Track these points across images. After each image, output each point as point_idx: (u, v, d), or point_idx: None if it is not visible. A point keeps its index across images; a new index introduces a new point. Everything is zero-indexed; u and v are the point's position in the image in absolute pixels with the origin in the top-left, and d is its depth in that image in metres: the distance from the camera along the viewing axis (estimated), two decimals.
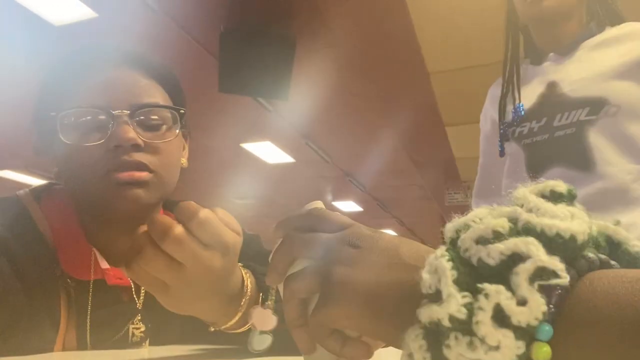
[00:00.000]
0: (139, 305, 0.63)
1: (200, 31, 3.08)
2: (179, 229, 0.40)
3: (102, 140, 0.56)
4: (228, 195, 6.85)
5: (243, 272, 0.53)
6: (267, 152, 5.27)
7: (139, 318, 0.63)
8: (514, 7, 1.19)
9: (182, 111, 0.62)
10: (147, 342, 0.64)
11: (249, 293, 0.52)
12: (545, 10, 1.08)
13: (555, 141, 1.06)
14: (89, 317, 0.59)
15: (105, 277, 0.60)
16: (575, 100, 1.04)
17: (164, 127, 0.61)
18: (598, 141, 1.01)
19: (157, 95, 0.62)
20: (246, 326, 0.53)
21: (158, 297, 0.44)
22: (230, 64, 3.00)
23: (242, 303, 0.51)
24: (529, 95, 1.14)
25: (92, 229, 0.62)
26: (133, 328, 0.63)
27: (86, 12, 2.80)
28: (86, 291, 0.59)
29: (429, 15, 2.90)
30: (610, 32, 1.10)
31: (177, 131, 0.62)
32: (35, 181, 5.55)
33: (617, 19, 1.14)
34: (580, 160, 1.03)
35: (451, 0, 2.74)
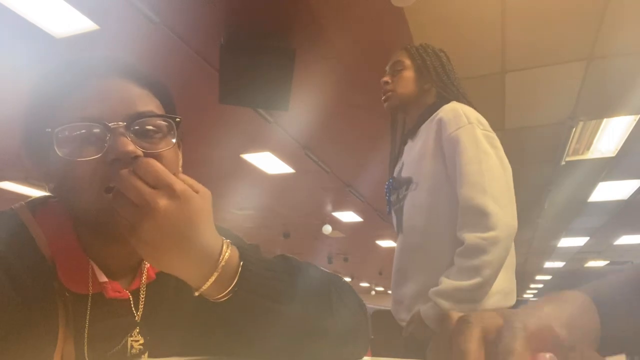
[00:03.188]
0: (138, 318, 0.63)
1: (201, 43, 3.10)
2: (125, 170, 0.49)
3: (100, 155, 0.55)
4: (228, 205, 6.84)
5: (224, 241, 0.54)
6: (267, 163, 5.27)
7: (138, 331, 0.63)
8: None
9: (177, 119, 0.61)
10: (146, 355, 0.64)
11: (226, 257, 0.53)
12: (389, 106, 1.47)
13: (397, 212, 1.41)
14: (86, 330, 0.58)
15: (103, 290, 0.60)
16: (401, 180, 1.40)
17: (160, 135, 0.60)
18: (407, 209, 1.34)
19: (151, 104, 0.61)
20: (227, 291, 0.53)
21: (131, 240, 0.49)
22: (230, 75, 3.02)
23: (218, 265, 0.52)
24: (396, 173, 1.47)
25: (90, 242, 0.61)
26: (132, 341, 0.62)
27: (88, 25, 2.82)
28: (84, 304, 0.58)
29: (428, 28, 2.92)
30: (436, 114, 1.37)
31: (174, 140, 0.60)
32: (35, 192, 5.54)
33: (461, 100, 1.40)
34: (401, 227, 1.37)
35: (449, 12, 2.77)
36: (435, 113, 1.35)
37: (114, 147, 0.54)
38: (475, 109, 1.36)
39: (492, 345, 0.29)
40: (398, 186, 1.39)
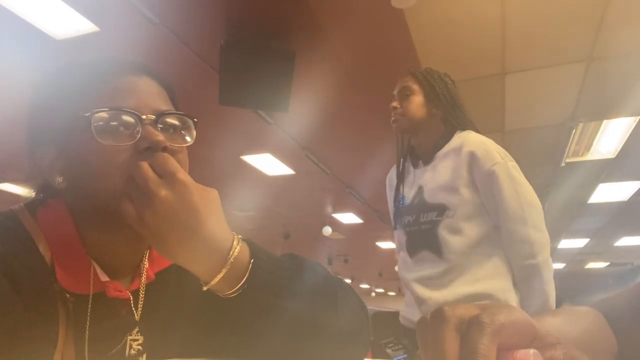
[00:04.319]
0: (137, 318, 0.63)
1: (201, 44, 3.11)
2: (144, 162, 0.53)
3: (133, 142, 0.57)
4: (228, 207, 6.84)
5: (235, 236, 0.55)
6: (267, 164, 5.27)
7: (137, 330, 0.63)
8: None
9: (195, 120, 0.64)
10: (145, 355, 0.64)
11: (236, 253, 0.54)
12: (398, 129, 1.54)
13: (422, 232, 1.49)
14: (87, 330, 0.58)
15: (104, 289, 0.60)
16: (429, 205, 1.48)
17: (180, 133, 0.63)
18: (443, 234, 1.44)
19: (170, 105, 0.64)
20: (237, 287, 0.54)
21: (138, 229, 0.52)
22: (230, 76, 3.02)
23: (228, 259, 0.53)
24: (408, 194, 1.57)
25: (92, 241, 0.61)
26: (131, 340, 0.62)
27: (88, 26, 2.82)
28: (85, 305, 0.59)
29: (428, 29, 2.92)
30: (453, 142, 1.50)
31: (191, 139, 0.63)
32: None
33: (466, 125, 1.52)
34: (435, 247, 1.46)
35: (449, 13, 2.77)
36: (459, 144, 1.47)
37: (146, 136, 0.57)
38: (478, 132, 1.53)
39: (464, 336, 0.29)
40: (423, 210, 1.49)
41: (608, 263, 11.94)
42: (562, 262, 12.12)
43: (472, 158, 1.42)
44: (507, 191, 1.39)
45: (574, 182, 5.58)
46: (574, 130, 4.25)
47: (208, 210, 0.52)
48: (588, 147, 4.68)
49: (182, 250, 0.52)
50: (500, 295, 1.41)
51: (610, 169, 5.21)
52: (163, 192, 0.51)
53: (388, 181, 1.73)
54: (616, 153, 4.72)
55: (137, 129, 0.57)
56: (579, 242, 9.55)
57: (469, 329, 0.28)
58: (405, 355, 2.05)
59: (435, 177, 1.48)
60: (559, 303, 1.57)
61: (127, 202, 0.53)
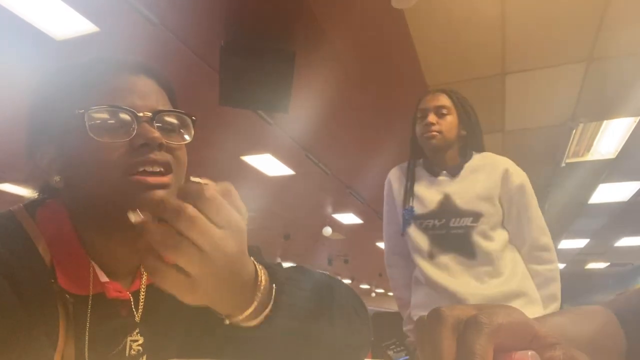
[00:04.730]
0: (137, 319, 0.63)
1: (201, 45, 3.11)
2: (190, 208, 0.42)
3: (128, 139, 0.57)
4: None
5: (255, 263, 0.53)
6: (267, 165, 5.27)
7: (137, 331, 0.63)
8: (415, 134, 1.69)
9: (193, 118, 0.64)
10: (145, 356, 0.64)
11: (263, 283, 0.52)
12: (435, 145, 1.61)
13: (451, 236, 1.58)
14: (87, 331, 0.58)
15: (104, 290, 0.60)
16: (464, 211, 1.57)
17: (177, 132, 0.63)
18: (477, 239, 1.55)
19: (168, 104, 0.64)
20: (260, 317, 0.52)
21: (178, 291, 0.44)
22: (230, 77, 3.02)
23: (257, 293, 0.51)
24: (430, 199, 1.63)
25: (91, 241, 0.61)
26: (131, 341, 0.62)
27: (88, 27, 2.82)
28: (85, 306, 0.58)
29: (428, 29, 2.92)
30: (479, 159, 1.66)
31: (188, 137, 0.63)
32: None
33: (480, 149, 1.68)
34: (467, 251, 1.56)
35: (449, 14, 2.77)
36: (490, 162, 1.63)
37: (142, 132, 0.57)
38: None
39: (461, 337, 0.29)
40: (454, 215, 1.58)
41: (608, 263, 11.94)
42: (563, 262, 12.12)
43: (506, 174, 1.59)
44: (533, 203, 1.60)
45: (574, 183, 5.57)
46: (574, 131, 4.24)
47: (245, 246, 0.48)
48: (588, 148, 4.68)
49: (218, 293, 0.47)
50: (532, 294, 1.55)
51: (610, 170, 5.21)
52: (230, 246, 0.45)
53: (394, 182, 1.75)
54: (616, 153, 4.72)
55: (133, 126, 0.57)
56: (579, 243, 9.55)
57: (466, 329, 0.28)
58: (407, 357, 2.06)
59: (469, 187, 1.60)
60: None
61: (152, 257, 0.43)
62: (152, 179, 0.56)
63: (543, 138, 4.45)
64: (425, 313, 1.20)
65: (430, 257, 1.60)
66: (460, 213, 1.57)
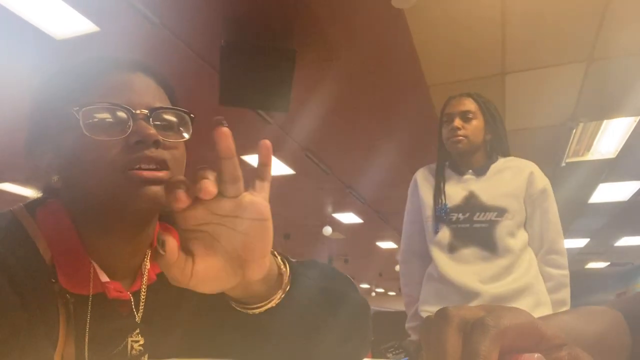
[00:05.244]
0: (138, 319, 0.63)
1: (201, 44, 3.11)
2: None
3: (124, 136, 0.57)
4: None
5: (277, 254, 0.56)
6: None
7: (138, 332, 0.63)
8: (442, 138, 1.73)
9: (192, 115, 0.63)
10: (146, 356, 0.64)
11: (285, 269, 0.56)
12: (461, 149, 1.66)
13: (474, 230, 1.61)
14: (87, 331, 0.58)
15: (105, 290, 0.60)
16: (489, 206, 1.61)
17: (175, 130, 0.62)
18: (501, 234, 1.58)
19: (165, 101, 0.64)
20: (268, 300, 0.55)
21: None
22: (230, 77, 3.02)
23: (283, 275, 0.55)
24: (455, 195, 1.67)
25: (91, 240, 0.61)
26: (132, 341, 0.62)
27: (88, 26, 2.82)
28: (85, 305, 0.58)
29: (428, 29, 2.92)
30: (504, 162, 1.70)
31: (187, 135, 0.63)
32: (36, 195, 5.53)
33: (506, 152, 1.73)
34: (490, 244, 1.59)
35: (450, 13, 2.77)
36: (515, 165, 1.68)
37: (138, 129, 0.57)
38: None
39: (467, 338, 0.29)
40: (479, 209, 1.62)
41: (608, 263, 11.94)
42: None
43: (532, 176, 1.64)
44: (554, 207, 1.66)
45: (574, 182, 5.57)
46: (574, 130, 4.24)
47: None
48: (588, 147, 4.68)
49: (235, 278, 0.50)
50: (542, 297, 1.58)
51: (610, 169, 5.21)
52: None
53: (421, 181, 1.79)
54: (616, 153, 4.72)
55: (129, 123, 0.57)
56: (579, 242, 9.55)
57: (473, 330, 0.28)
58: (406, 359, 2.06)
59: (494, 185, 1.64)
60: None
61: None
62: (147, 174, 0.56)
63: (543, 138, 4.45)
64: (433, 309, 1.23)
65: (451, 250, 1.63)
66: (485, 208, 1.61)
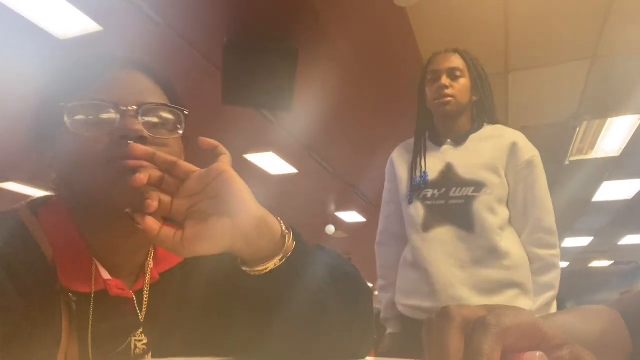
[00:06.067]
0: (141, 318, 0.63)
1: (204, 43, 3.11)
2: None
3: (108, 132, 0.57)
4: None
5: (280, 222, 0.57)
6: (270, 163, 5.27)
7: (141, 330, 0.63)
8: (425, 99, 1.58)
9: (185, 112, 0.63)
10: (150, 355, 0.64)
11: (290, 236, 0.57)
12: (449, 111, 1.50)
13: (450, 207, 1.47)
14: (90, 329, 0.58)
15: (106, 287, 0.60)
16: (466, 180, 1.47)
17: (168, 127, 0.62)
18: (478, 210, 1.44)
19: (161, 98, 0.64)
20: (272, 260, 0.55)
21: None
22: (233, 76, 3.02)
23: (284, 247, 0.55)
24: (432, 167, 1.53)
25: (92, 238, 0.61)
26: (135, 340, 0.62)
27: (91, 26, 2.83)
28: (87, 304, 0.58)
29: (431, 27, 2.92)
30: (487, 130, 1.56)
31: (180, 132, 0.63)
32: (40, 194, 5.56)
33: (492, 118, 1.59)
34: (465, 222, 1.45)
35: (452, 11, 2.76)
36: (498, 133, 1.54)
37: (123, 125, 0.57)
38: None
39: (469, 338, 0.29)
40: (455, 184, 1.48)
41: (612, 262, 11.89)
42: (566, 261, 12.08)
43: (514, 147, 1.48)
44: (541, 181, 1.47)
45: (578, 181, 5.55)
46: (578, 129, 4.23)
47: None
48: (592, 145, 4.66)
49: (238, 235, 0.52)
50: (527, 285, 1.44)
51: (614, 167, 5.19)
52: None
53: (396, 158, 1.66)
54: (620, 151, 4.70)
55: (117, 120, 0.57)
56: (583, 241, 9.51)
57: (475, 330, 0.28)
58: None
59: (472, 156, 1.50)
60: (562, 302, 1.58)
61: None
62: (131, 162, 0.55)
63: (546, 136, 4.43)
64: (409, 301, 1.21)
65: (425, 228, 1.49)
66: (462, 182, 1.47)
